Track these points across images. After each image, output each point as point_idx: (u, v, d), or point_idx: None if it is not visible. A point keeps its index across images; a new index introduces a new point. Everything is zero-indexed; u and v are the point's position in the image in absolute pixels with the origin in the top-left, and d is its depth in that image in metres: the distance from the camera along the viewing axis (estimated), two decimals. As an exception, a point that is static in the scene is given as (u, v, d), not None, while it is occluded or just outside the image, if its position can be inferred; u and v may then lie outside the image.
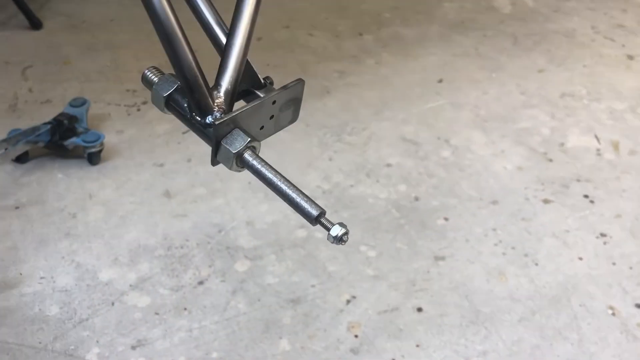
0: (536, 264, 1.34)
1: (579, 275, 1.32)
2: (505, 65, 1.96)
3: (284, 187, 0.64)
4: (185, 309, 1.25)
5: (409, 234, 1.40)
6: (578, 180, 1.54)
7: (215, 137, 0.64)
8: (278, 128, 0.72)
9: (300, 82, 0.69)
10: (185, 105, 0.68)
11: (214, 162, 0.67)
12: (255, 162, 0.65)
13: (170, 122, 1.70)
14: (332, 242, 0.60)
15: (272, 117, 0.69)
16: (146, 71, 0.70)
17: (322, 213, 0.61)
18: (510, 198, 1.49)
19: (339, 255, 1.36)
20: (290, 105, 0.71)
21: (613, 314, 1.24)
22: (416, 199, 1.49)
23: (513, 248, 1.37)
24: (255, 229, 1.42)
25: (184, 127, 1.69)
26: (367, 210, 1.46)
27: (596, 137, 1.67)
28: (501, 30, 2.15)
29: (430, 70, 1.93)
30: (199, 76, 0.66)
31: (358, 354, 1.18)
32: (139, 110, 1.75)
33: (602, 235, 1.40)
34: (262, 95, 0.72)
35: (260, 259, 1.35)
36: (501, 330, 1.21)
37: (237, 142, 0.65)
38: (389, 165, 1.58)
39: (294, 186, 0.63)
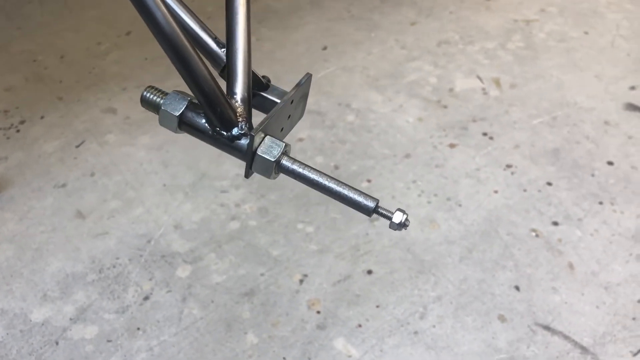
0: (459, 205, 1.43)
1: (498, 207, 1.43)
2: (380, 23, 2.02)
3: (332, 185, 0.62)
4: (138, 328, 1.19)
5: (339, 203, 1.43)
6: (474, 121, 1.65)
7: (250, 149, 0.60)
8: (292, 126, 0.70)
9: (309, 76, 0.66)
10: (204, 121, 0.63)
11: (248, 173, 0.63)
12: (295, 167, 0.63)
13: (59, 138, 1.57)
14: (395, 229, 0.60)
15: (289, 116, 0.67)
16: (146, 93, 0.64)
17: (377, 203, 0.60)
18: (420, 149, 1.57)
19: (279, 238, 1.35)
20: (301, 101, 0.69)
21: (537, 236, 1.36)
22: (336, 167, 1.51)
23: (435, 195, 1.45)
24: (185, 230, 1.37)
25: (77, 140, 1.57)
26: (293, 188, 1.46)
27: (479, 77, 1.80)
28: (365, -11, 2.20)
29: (313, 38, 1.95)
30: (218, 89, 0.62)
31: (325, 329, 1.20)
32: (18, 131, 1.59)
33: (508, 166, 1.52)
34: (269, 97, 0.69)
35: (201, 260, 1.31)
36: (447, 274, 1.29)
37: (273, 150, 0.62)
38: (300, 139, 1.59)
39: (342, 182, 0.61)
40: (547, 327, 1.20)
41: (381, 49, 1.91)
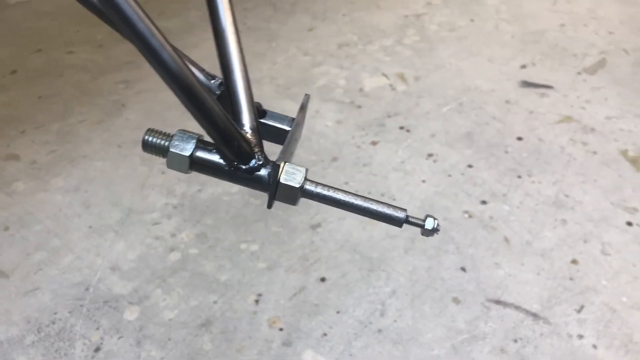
0: (394, 199, 1.47)
1: (430, 195, 1.48)
2: (278, 32, 2.03)
3: (360, 202, 0.60)
4: (95, 384, 1.11)
5: (277, 215, 1.42)
6: (389, 116, 1.70)
7: (275, 178, 0.58)
8: (296, 147, 0.68)
9: (308, 97, 0.65)
10: (218, 157, 0.60)
11: (271, 204, 0.60)
12: (319, 190, 0.60)
13: (-40, 195, 1.43)
14: (428, 235, 0.59)
15: (296, 139, 0.65)
16: (148, 137, 0.59)
17: (406, 212, 0.59)
18: (345, 150, 1.59)
19: (224, 262, 1.32)
20: (302, 122, 0.67)
21: (470, 217, 1.43)
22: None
23: (369, 193, 1.48)
24: (124, 271, 1.30)
25: (-18, 194, 1.44)
26: (227, 209, 1.43)
27: (384, 74, 1.85)
28: (257, 0, 2.20)
29: (214, 55, 1.91)
30: (231, 123, 0.58)
31: (291, 344, 1.18)
32: None
33: (429, 155, 1.59)
34: (271, 123, 0.66)
35: (147, 299, 1.25)
36: (396, 267, 1.32)
37: (296, 176, 0.59)
38: (225, 158, 1.56)
39: (367, 197, 0.60)
40: (498, 301, 1.26)
41: (285, 58, 1.92)
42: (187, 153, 0.59)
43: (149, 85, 1.79)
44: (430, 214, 0.60)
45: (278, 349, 1.18)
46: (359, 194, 0.63)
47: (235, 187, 1.48)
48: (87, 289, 1.26)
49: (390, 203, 0.60)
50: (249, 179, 0.61)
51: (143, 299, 1.25)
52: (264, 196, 1.44)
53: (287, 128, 0.65)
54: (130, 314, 1.22)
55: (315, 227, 1.40)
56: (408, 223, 0.60)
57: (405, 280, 1.30)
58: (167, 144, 0.59)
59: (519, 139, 1.63)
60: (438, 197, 1.47)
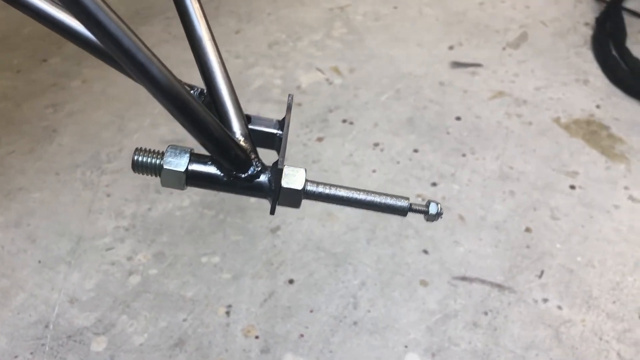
0: (348, 193, 1.47)
1: (382, 184, 1.50)
2: (205, 38, 1.98)
3: (363, 196, 0.60)
4: None
5: (235, 224, 1.39)
6: (330, 111, 1.70)
7: (278, 184, 0.56)
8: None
9: (292, 96, 0.64)
10: (215, 169, 0.57)
11: (274, 210, 0.59)
12: (321, 189, 0.60)
13: None
14: (433, 220, 0.60)
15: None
16: (138, 157, 0.56)
17: (408, 200, 0.59)
18: (293, 149, 1.58)
19: (188, 278, 1.29)
20: (289, 123, 0.65)
21: (423, 200, 1.46)
22: (218, 190, 1.47)
23: (322, 189, 1.48)
24: (84, 302, 1.24)
25: None
26: (182, 223, 1.40)
27: (319, 69, 1.85)
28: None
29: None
30: (226, 133, 0.56)
31: (269, 351, 1.17)
32: None
33: (375, 145, 1.60)
34: (259, 128, 0.64)
35: (113, 327, 1.20)
36: (361, 259, 1.33)
37: (297, 179, 0.58)
38: (171, 172, 1.51)
39: (369, 190, 0.60)
40: (463, 278, 1.29)
41: (216, 63, 1.88)
42: (182, 168, 0.57)
43: (78, 105, 1.72)
44: (432, 200, 0.61)
45: (257, 358, 1.16)
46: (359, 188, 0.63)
47: (186, 201, 1.44)
48: (46, 327, 1.20)
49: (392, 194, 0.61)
50: (249, 188, 0.59)
51: (109, 328, 1.20)
52: (218, 207, 1.42)
53: (275, 131, 0.64)
54: (98, 345, 1.17)
55: (274, 230, 1.38)
56: (412, 211, 0.61)
57: (372, 270, 1.31)
58: (159, 161, 0.57)
59: (458, 118, 1.68)
60: (390, 184, 1.49)
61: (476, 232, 1.38)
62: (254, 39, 1.98)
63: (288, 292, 1.27)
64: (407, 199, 0.61)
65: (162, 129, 1.64)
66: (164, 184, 0.58)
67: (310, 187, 0.60)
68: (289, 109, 0.63)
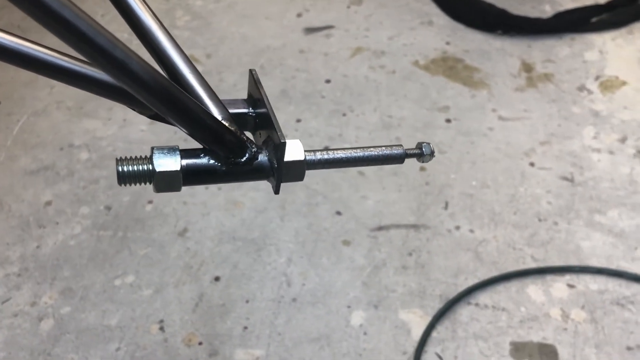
0: (245, 176, 1.44)
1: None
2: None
3: (361, 153, 0.57)
4: None
5: (137, 237, 1.30)
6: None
7: (278, 160, 0.52)
8: None
9: (253, 70, 0.58)
10: (212, 160, 0.51)
11: (279, 188, 0.54)
12: (320, 156, 0.56)
13: None
14: (428, 161, 0.60)
15: None
16: (122, 168, 0.50)
17: (403, 147, 0.59)
18: (175, 144, 1.51)
19: (107, 307, 1.19)
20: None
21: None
22: (150, 202, 1.37)
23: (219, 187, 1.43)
24: (-6, 365, 1.10)
25: None
26: (80, 252, 1.28)
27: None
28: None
29: None
30: (215, 118, 0.50)
31: (218, 353, 1.13)
32: None
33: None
34: (237, 110, 0.58)
35: (39, 381, 1.08)
36: (280, 236, 1.31)
37: (297, 151, 0.54)
38: (48, 203, 1.38)
39: (363, 147, 0.58)
40: (380, 228, 1.33)
41: (61, 78, 1.73)
42: (177, 167, 0.51)
43: None
44: (421, 141, 0.61)
45: (207, 363, 1.11)
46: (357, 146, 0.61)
47: (76, 228, 1.32)
48: (-41, 406, 1.05)
49: (387, 144, 0.61)
50: (250, 171, 0.55)
51: (34, 385, 1.08)
52: (114, 225, 1.33)
53: (246, 110, 0.60)
54: (28, 407, 1.05)
55: (182, 233, 1.32)
56: (407, 157, 0.60)
57: (294, 245, 1.30)
58: (149, 167, 0.51)
59: (328, 81, 1.70)
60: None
61: (378, 182, 1.42)
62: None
63: (217, 290, 1.22)
64: (401, 146, 0.61)
65: (25, 159, 1.48)
66: (158, 189, 0.52)
67: (310, 157, 0.57)
68: (259, 83, 0.59)
